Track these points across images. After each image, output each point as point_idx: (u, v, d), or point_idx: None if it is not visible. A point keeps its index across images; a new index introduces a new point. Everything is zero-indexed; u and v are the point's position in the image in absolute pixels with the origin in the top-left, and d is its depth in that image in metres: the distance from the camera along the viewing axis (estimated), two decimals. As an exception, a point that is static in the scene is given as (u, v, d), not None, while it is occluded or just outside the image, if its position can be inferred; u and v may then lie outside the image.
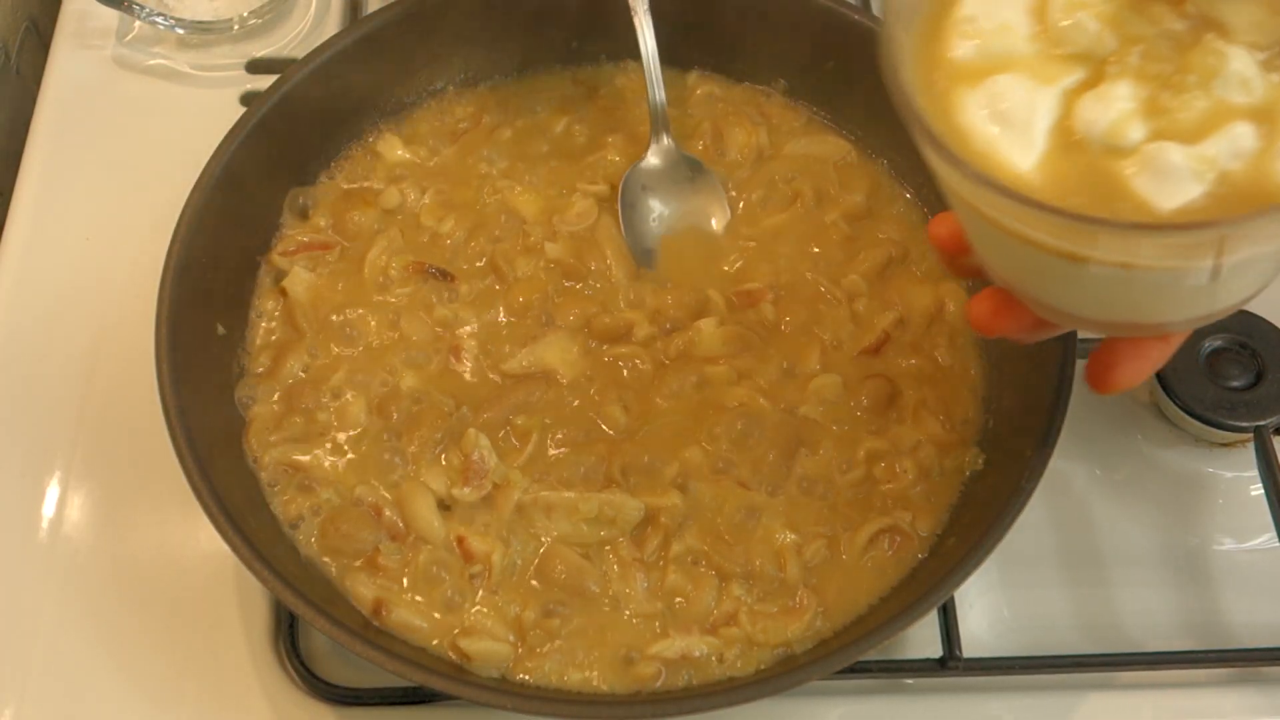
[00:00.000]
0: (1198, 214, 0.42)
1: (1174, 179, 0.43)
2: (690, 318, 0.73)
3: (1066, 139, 0.45)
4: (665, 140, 0.78)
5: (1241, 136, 0.43)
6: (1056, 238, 0.44)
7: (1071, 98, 0.45)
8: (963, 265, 0.56)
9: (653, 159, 0.78)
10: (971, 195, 0.45)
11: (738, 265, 0.76)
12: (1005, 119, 0.45)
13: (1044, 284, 0.50)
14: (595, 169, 0.79)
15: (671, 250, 0.76)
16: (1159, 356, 0.53)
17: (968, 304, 0.55)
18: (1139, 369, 0.53)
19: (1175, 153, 0.43)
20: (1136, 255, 0.43)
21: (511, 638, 0.65)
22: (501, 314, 0.74)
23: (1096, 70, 0.46)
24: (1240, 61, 0.44)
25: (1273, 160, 0.43)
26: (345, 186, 0.79)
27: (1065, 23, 0.46)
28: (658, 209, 0.77)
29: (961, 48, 0.47)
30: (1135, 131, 0.44)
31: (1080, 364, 0.65)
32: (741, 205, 0.78)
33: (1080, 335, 0.66)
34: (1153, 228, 0.42)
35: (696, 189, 0.78)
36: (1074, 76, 0.46)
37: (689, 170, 0.78)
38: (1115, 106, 0.44)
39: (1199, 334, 0.76)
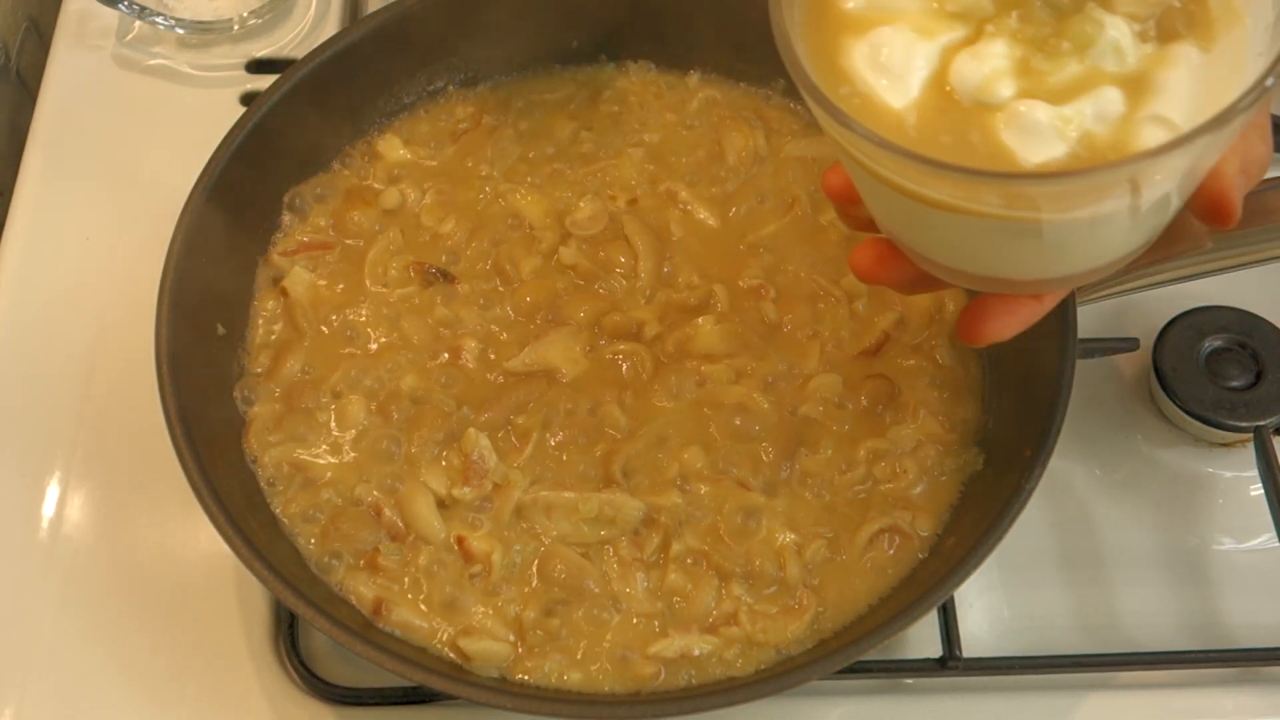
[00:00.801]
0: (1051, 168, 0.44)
1: (1038, 136, 0.44)
2: (693, 314, 0.73)
3: (941, 92, 0.46)
4: None
5: (1108, 101, 0.44)
6: (917, 183, 0.45)
7: (950, 54, 0.47)
8: (855, 216, 0.56)
9: None
10: (844, 140, 0.46)
11: (735, 266, 0.76)
12: (884, 68, 0.46)
13: (914, 233, 0.51)
14: (604, 176, 0.79)
15: None
16: (1029, 314, 0.54)
17: (852, 252, 0.56)
18: (1008, 323, 0.54)
19: (1040, 111, 0.44)
20: (986, 203, 0.44)
21: (511, 637, 0.65)
22: (503, 314, 0.74)
23: (977, 29, 0.47)
24: (1116, 30, 0.45)
25: (1135, 125, 0.44)
26: (345, 186, 0.79)
27: None
28: None
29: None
30: (1005, 89, 0.45)
31: (1082, 364, 0.66)
32: (742, 208, 0.78)
33: (1080, 335, 0.66)
34: (996, 175, 0.44)
35: None
36: (955, 34, 0.47)
37: None
38: (989, 64, 0.46)
39: (1199, 334, 0.76)
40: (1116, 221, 0.46)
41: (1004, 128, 0.44)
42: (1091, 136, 0.44)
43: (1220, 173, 0.48)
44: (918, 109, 0.46)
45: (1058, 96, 0.45)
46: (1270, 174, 0.74)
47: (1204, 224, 0.50)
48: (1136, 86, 0.44)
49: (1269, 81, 0.41)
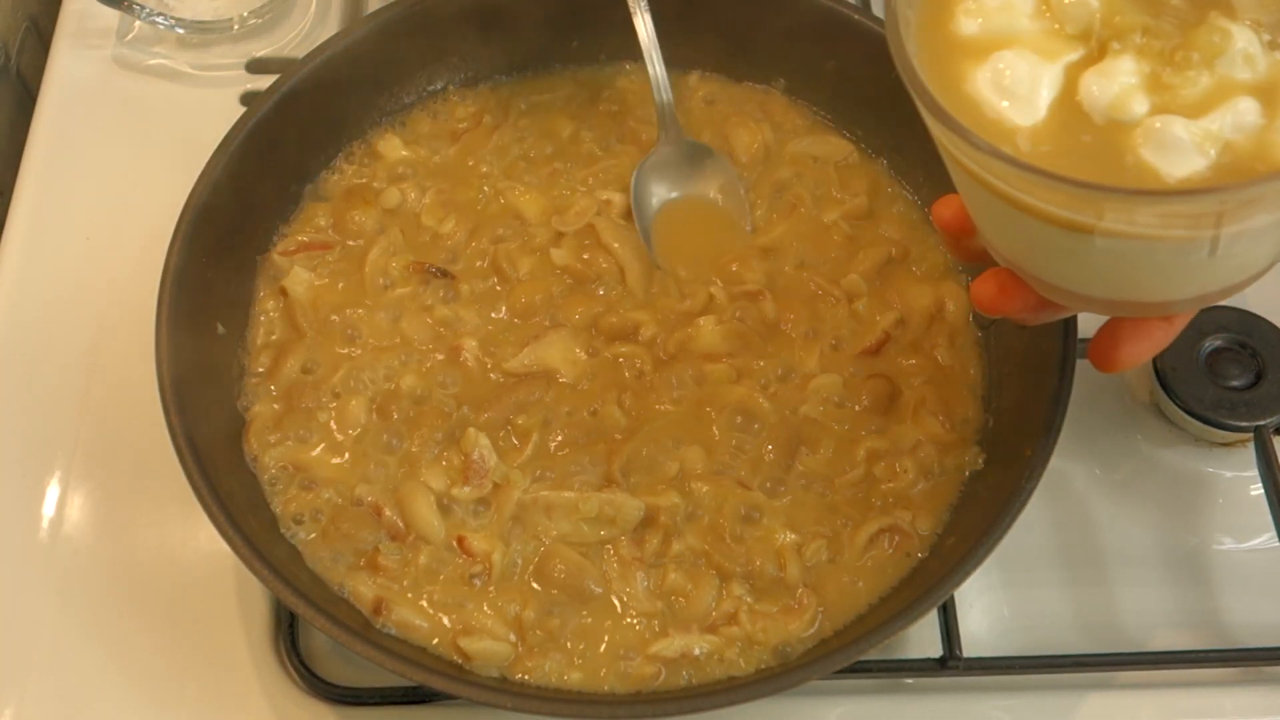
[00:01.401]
0: (1199, 183, 0.43)
1: (1177, 151, 0.43)
2: (693, 317, 0.73)
3: (1070, 113, 0.46)
4: (672, 132, 0.77)
5: (1245, 112, 0.44)
6: (1060, 207, 0.44)
7: (1074, 73, 0.46)
8: (967, 248, 0.56)
9: (663, 148, 0.78)
10: (976, 165, 0.45)
11: (736, 267, 0.76)
12: (1009, 92, 0.46)
13: (1047, 260, 0.50)
14: (605, 175, 0.79)
15: (670, 221, 0.75)
16: (1162, 337, 0.54)
17: (972, 284, 0.55)
18: (1141, 349, 0.53)
19: (1178, 126, 0.43)
20: (1137, 224, 0.43)
21: (511, 637, 0.65)
22: (503, 313, 0.74)
23: (1099, 48, 0.47)
24: (1245, 39, 0.45)
25: (1275, 134, 0.43)
26: (345, 186, 0.79)
27: (1068, 0, 0.47)
28: (664, 194, 0.77)
29: (966, 25, 0.48)
30: (1139, 105, 0.45)
31: (1082, 363, 0.66)
32: (750, 207, 0.78)
33: (1080, 334, 0.66)
34: (1153, 193, 0.43)
35: (704, 173, 0.77)
36: (1077, 53, 0.47)
37: (697, 155, 0.78)
38: (1119, 81, 0.45)
39: (1199, 334, 0.76)
40: (1258, 237, 0.45)
41: (1142, 145, 0.44)
42: (1233, 148, 0.43)
43: None
44: (1048, 132, 0.45)
45: (1193, 110, 0.44)
46: None
47: None
48: (1272, 95, 0.44)
49: None
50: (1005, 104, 0.46)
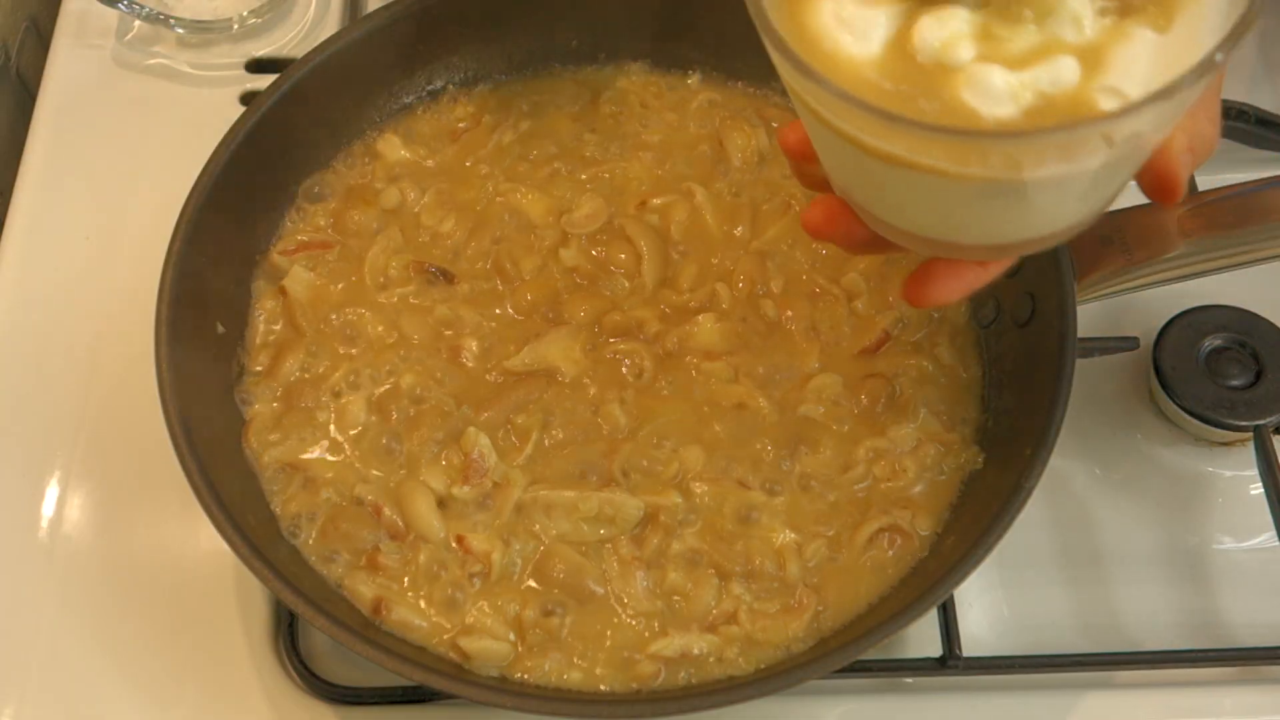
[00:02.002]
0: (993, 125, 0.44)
1: (994, 98, 0.44)
2: (694, 313, 0.73)
3: (902, 52, 0.47)
4: None
5: (1064, 70, 0.45)
6: (872, 136, 0.45)
7: (913, 15, 0.47)
8: (809, 174, 0.57)
9: None
10: (805, 91, 0.46)
11: (737, 267, 0.76)
12: (847, 25, 0.47)
13: (869, 191, 0.51)
14: (607, 177, 0.79)
15: None
16: (973, 279, 0.55)
17: (804, 210, 0.56)
18: (952, 288, 0.54)
19: (998, 74, 0.45)
20: (938, 159, 0.44)
21: (511, 636, 0.65)
22: (503, 313, 0.74)
23: None
24: (1076, 2, 0.46)
25: (1088, 94, 0.44)
26: (345, 186, 0.79)
27: None
28: None
29: None
30: (965, 52, 0.46)
31: (1082, 363, 0.66)
32: (745, 209, 0.78)
33: (1079, 334, 0.66)
34: (946, 129, 0.44)
35: None
36: None
37: None
38: (950, 26, 0.46)
39: (1199, 333, 0.76)
40: (1064, 188, 0.46)
41: (963, 89, 0.45)
42: (1047, 100, 0.44)
43: (1167, 149, 0.49)
44: (878, 66, 0.46)
45: (1016, 63, 0.45)
46: (1269, 171, 0.75)
47: (1150, 199, 0.51)
48: (1092, 58, 0.45)
49: (1218, 57, 0.42)
50: (843, 37, 0.47)
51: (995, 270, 0.56)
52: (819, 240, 0.58)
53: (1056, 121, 0.44)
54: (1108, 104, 0.44)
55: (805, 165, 0.56)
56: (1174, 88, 0.42)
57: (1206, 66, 0.42)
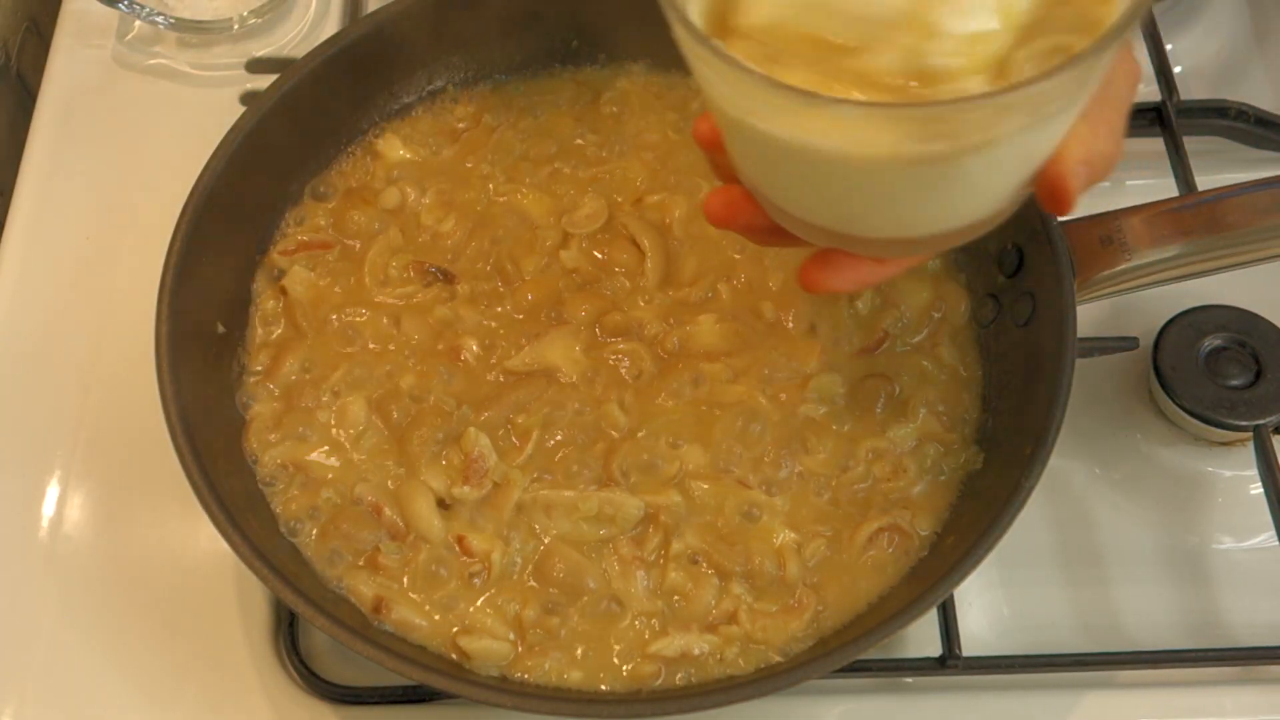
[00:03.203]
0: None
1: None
2: (695, 312, 0.73)
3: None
4: None
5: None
6: (761, 110, 0.45)
7: None
8: (721, 165, 0.57)
9: None
10: (697, 60, 0.46)
11: (737, 266, 0.76)
12: None
13: (764, 174, 0.51)
14: (608, 177, 0.79)
15: None
16: (869, 274, 0.55)
17: (705, 196, 0.56)
18: (847, 278, 0.54)
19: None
20: (819, 133, 0.44)
21: (511, 636, 0.65)
22: (503, 312, 0.74)
23: None
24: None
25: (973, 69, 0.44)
26: (345, 186, 0.79)
27: None
28: None
29: None
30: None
31: (1082, 363, 0.66)
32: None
33: (1079, 334, 0.66)
34: (830, 99, 0.43)
35: None
36: None
37: None
38: None
39: (1198, 333, 0.76)
40: (949, 177, 0.46)
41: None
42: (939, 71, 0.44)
43: (1061, 156, 0.48)
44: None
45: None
46: (1269, 171, 0.75)
47: (1043, 208, 0.50)
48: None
49: (1118, 35, 0.41)
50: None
51: (893, 269, 0.55)
52: (721, 228, 0.57)
53: (936, 96, 0.43)
54: (991, 82, 0.43)
55: (716, 155, 0.56)
56: (1072, 63, 0.41)
57: (1106, 42, 0.41)
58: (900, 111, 0.44)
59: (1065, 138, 0.48)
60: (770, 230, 0.55)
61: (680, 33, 0.45)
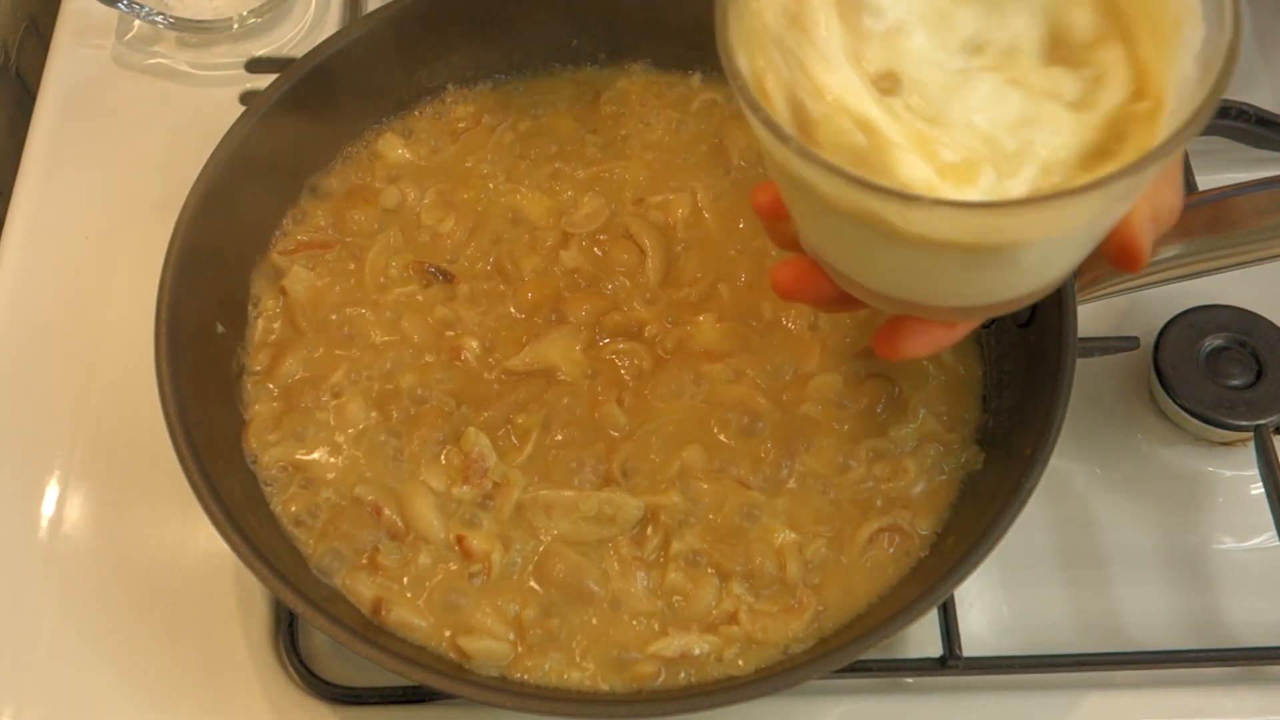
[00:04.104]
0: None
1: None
2: (695, 311, 0.73)
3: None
4: None
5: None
6: (836, 197, 0.45)
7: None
8: (781, 233, 0.58)
9: None
10: (772, 148, 0.46)
11: (737, 265, 0.76)
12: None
13: (835, 250, 0.52)
14: (608, 177, 0.79)
15: None
16: (942, 338, 0.56)
17: (773, 268, 0.57)
18: (922, 343, 0.55)
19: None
20: (912, 226, 0.44)
21: (511, 636, 0.65)
22: (503, 312, 0.74)
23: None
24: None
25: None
26: (345, 186, 0.79)
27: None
28: None
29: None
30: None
31: (1082, 362, 0.66)
32: (746, 209, 0.78)
33: (1079, 334, 0.66)
34: (913, 197, 0.44)
35: None
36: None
37: None
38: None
39: (1199, 333, 0.76)
40: (1028, 258, 0.47)
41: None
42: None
43: (1132, 219, 0.50)
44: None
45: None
46: (1269, 171, 0.75)
47: (1114, 267, 0.52)
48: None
49: (1178, 142, 0.42)
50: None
51: (964, 330, 0.57)
52: (788, 300, 0.59)
53: (1021, 196, 0.44)
54: (1070, 180, 0.44)
55: (777, 224, 0.57)
56: (1141, 164, 0.42)
57: (1174, 144, 0.42)
58: (990, 211, 0.44)
59: None
60: (839, 299, 0.55)
61: (757, 127, 0.45)
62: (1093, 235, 0.48)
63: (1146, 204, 0.50)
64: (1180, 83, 0.45)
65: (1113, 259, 0.51)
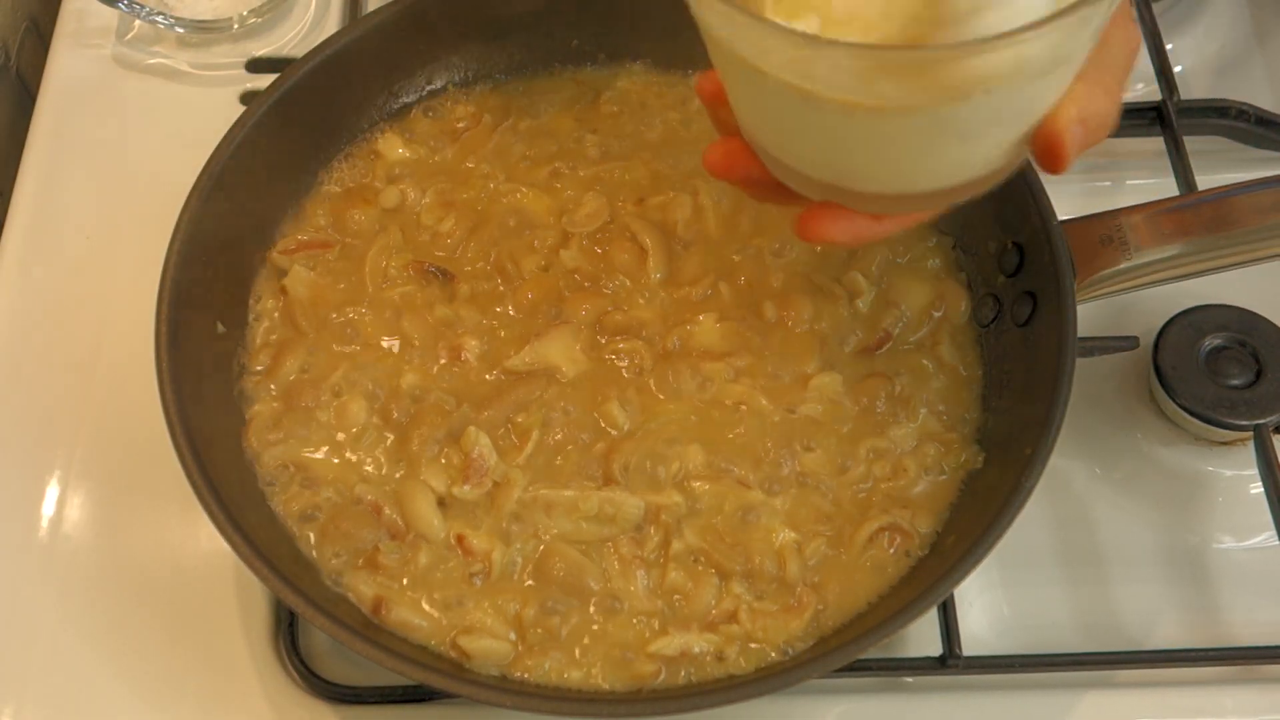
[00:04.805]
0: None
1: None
2: (696, 310, 0.73)
3: None
4: None
5: None
6: (751, 49, 0.45)
7: None
8: (723, 120, 0.57)
9: None
10: (702, 5, 0.46)
11: (737, 265, 0.76)
12: None
13: (762, 124, 0.52)
14: (608, 176, 0.79)
15: None
16: (864, 230, 0.55)
17: (705, 149, 0.57)
18: (843, 228, 0.55)
19: None
20: (817, 79, 0.44)
21: (511, 635, 0.65)
22: (503, 312, 0.74)
23: None
24: None
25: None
26: (345, 185, 0.79)
27: None
28: None
29: None
30: None
31: (1082, 363, 0.66)
32: (747, 208, 0.78)
33: (1079, 334, 0.66)
34: (825, 42, 0.44)
35: None
36: None
37: None
38: None
39: (1199, 332, 0.76)
40: (952, 130, 0.46)
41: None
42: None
43: (1056, 115, 0.49)
44: None
45: None
46: (1269, 171, 0.75)
47: (1038, 166, 0.50)
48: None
49: None
50: None
51: (890, 226, 0.56)
52: (720, 179, 0.58)
53: (931, 42, 0.44)
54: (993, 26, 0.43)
55: (719, 110, 0.57)
56: (1070, 9, 0.41)
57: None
58: (894, 55, 0.44)
59: (1062, 97, 0.49)
60: (768, 185, 0.56)
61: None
62: (1015, 113, 0.47)
63: (1075, 105, 0.49)
64: None
65: (1036, 156, 0.50)
